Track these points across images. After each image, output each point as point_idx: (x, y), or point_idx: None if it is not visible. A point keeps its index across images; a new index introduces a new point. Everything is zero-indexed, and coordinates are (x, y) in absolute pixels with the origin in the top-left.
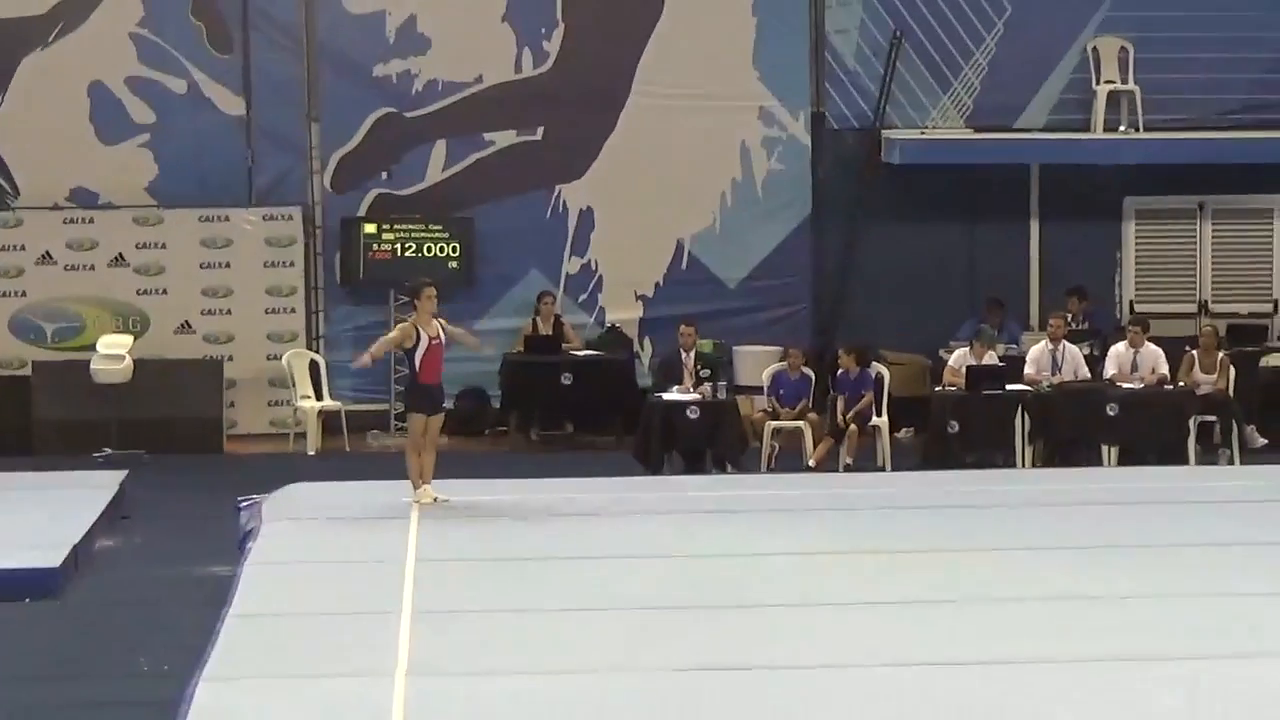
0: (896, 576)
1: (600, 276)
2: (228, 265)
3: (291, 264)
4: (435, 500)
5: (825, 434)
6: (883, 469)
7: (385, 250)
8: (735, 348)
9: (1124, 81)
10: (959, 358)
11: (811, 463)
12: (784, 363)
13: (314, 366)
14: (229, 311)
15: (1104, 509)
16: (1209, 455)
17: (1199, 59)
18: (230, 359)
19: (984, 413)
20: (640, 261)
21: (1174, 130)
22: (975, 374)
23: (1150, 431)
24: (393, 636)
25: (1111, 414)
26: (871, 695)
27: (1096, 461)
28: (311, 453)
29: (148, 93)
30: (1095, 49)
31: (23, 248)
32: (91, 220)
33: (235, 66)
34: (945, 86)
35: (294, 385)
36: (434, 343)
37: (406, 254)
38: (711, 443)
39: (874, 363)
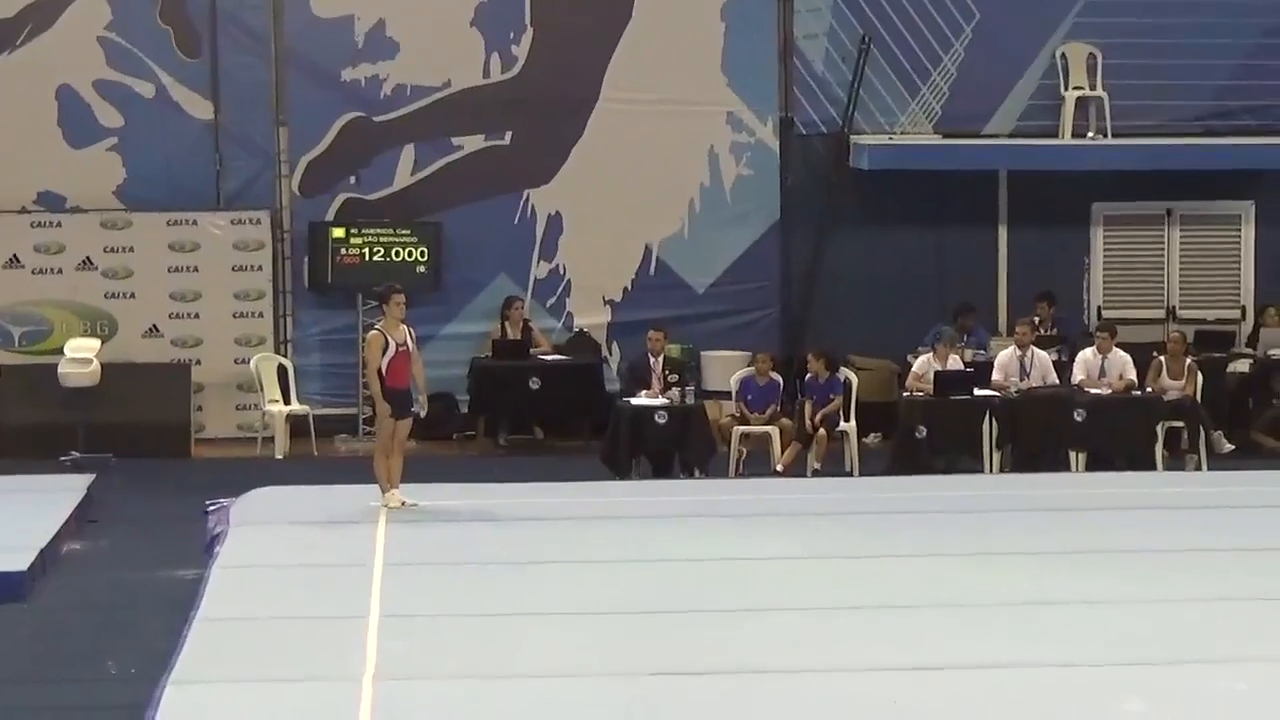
0: (864, 581)
1: (568, 281)
2: (196, 269)
3: (260, 268)
4: (403, 504)
5: (793, 439)
6: (851, 474)
7: (353, 255)
8: (703, 353)
9: (1092, 88)
10: (923, 363)
11: (779, 467)
12: (752, 368)
13: (282, 370)
14: (197, 315)
15: (1071, 514)
16: (1176, 461)
17: (1167, 65)
18: (198, 363)
19: (952, 418)
20: (608, 266)
21: (1142, 136)
22: (943, 379)
23: (1118, 437)
24: (360, 641)
25: (1079, 419)
26: (838, 700)
27: (1064, 467)
28: (279, 457)
29: (116, 96)
30: (1064, 55)
31: None
32: (59, 224)
33: (203, 70)
34: (914, 92)
35: (262, 389)
36: (401, 349)
37: (375, 258)
38: (680, 447)
39: (842, 367)
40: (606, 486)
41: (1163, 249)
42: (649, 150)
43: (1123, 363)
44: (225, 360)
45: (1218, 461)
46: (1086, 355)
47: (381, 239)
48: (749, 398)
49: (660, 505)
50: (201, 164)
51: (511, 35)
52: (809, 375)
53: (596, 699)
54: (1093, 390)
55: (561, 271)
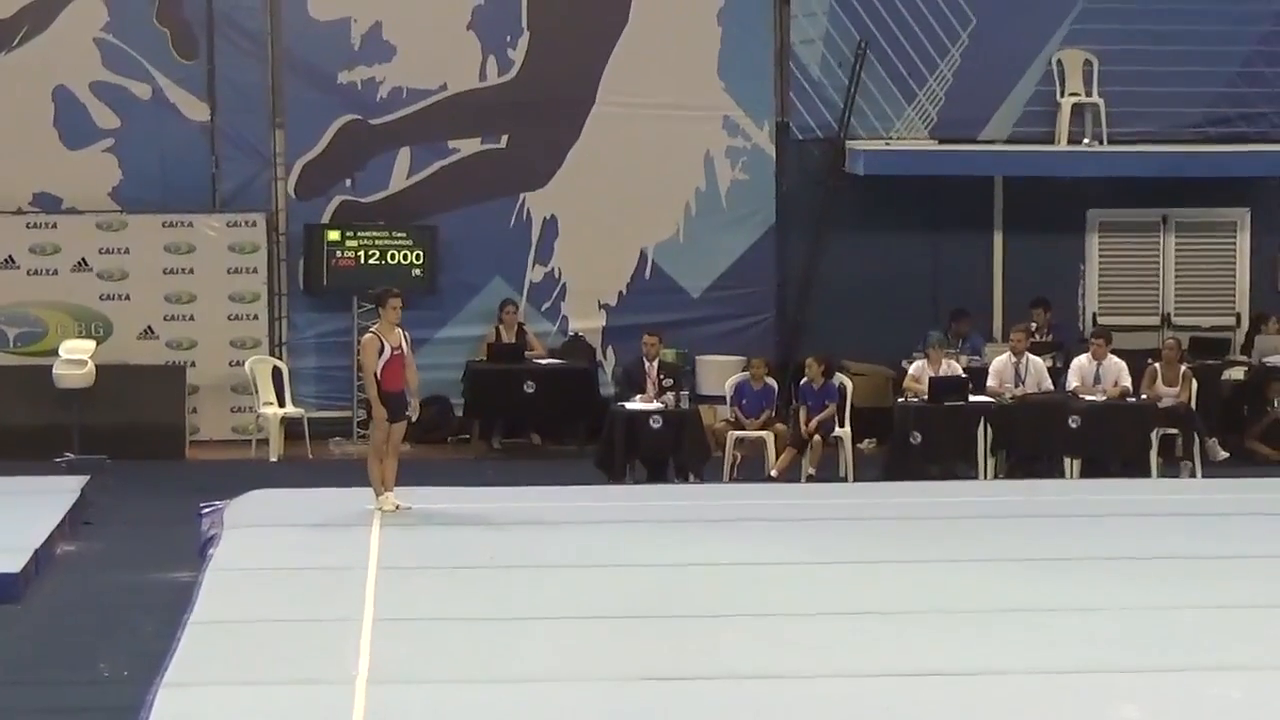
0: (858, 587)
1: (564, 285)
2: (191, 271)
3: (255, 270)
4: (397, 508)
5: (788, 444)
6: (845, 480)
7: (349, 257)
8: (698, 357)
9: (1088, 94)
10: (918, 368)
11: (774, 473)
12: (747, 373)
13: (277, 373)
14: (192, 317)
15: (1065, 521)
16: (1171, 468)
17: (1163, 72)
18: (193, 365)
19: (947, 424)
20: (604, 270)
21: (1138, 143)
22: (938, 385)
23: (1112, 444)
24: (354, 644)
25: (1074, 426)
26: (831, 705)
27: (1059, 473)
28: (274, 459)
29: (112, 98)
30: (1060, 62)
31: None
32: (54, 225)
33: (200, 72)
34: (910, 97)
35: (257, 391)
36: (395, 352)
37: (370, 261)
38: (674, 452)
39: (837, 373)
40: (601, 491)
41: (1158, 256)
42: (645, 154)
43: (1118, 369)
44: (220, 362)
45: (1212, 469)
46: (1081, 362)
47: (377, 242)
48: (744, 403)
49: (654, 510)
50: (197, 166)
51: (508, 39)
52: (804, 381)
53: (589, 703)
54: (1087, 397)
55: (557, 275)
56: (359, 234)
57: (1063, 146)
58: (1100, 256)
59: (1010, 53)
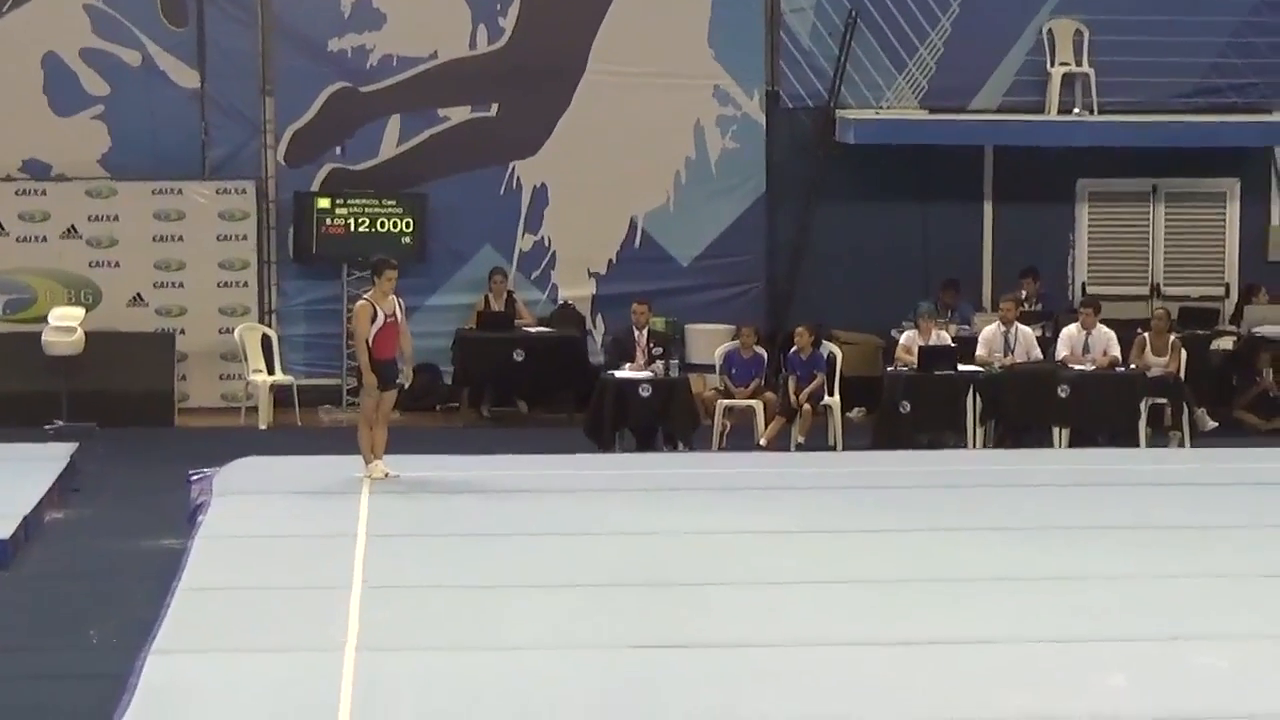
0: (847, 556)
1: (553, 253)
2: (180, 238)
3: (244, 238)
4: (386, 475)
5: (777, 413)
6: (834, 449)
7: (338, 225)
8: (688, 326)
9: (1079, 64)
10: (910, 337)
11: (763, 442)
12: (736, 341)
13: (266, 340)
14: (181, 285)
15: (1054, 490)
16: (1159, 438)
17: (1154, 42)
18: (182, 332)
19: (936, 393)
20: (593, 239)
21: (1128, 113)
22: (927, 354)
23: (1101, 413)
24: (342, 611)
25: (1063, 395)
26: (819, 673)
27: (1047, 443)
28: (263, 427)
29: (102, 65)
30: (1050, 31)
31: None
32: (44, 192)
33: (190, 39)
34: (900, 67)
35: (246, 359)
36: (389, 320)
37: (360, 229)
38: (663, 421)
39: (826, 342)
40: (589, 459)
41: (1148, 226)
42: (635, 123)
43: (1107, 339)
44: (209, 330)
45: (1200, 438)
46: (1070, 331)
47: (367, 210)
48: (733, 371)
49: (643, 478)
50: (187, 133)
51: (499, 6)
52: (793, 350)
53: (578, 671)
54: (1076, 366)
55: (546, 244)
56: (349, 202)
57: (1053, 116)
58: (1090, 226)
59: (1001, 22)
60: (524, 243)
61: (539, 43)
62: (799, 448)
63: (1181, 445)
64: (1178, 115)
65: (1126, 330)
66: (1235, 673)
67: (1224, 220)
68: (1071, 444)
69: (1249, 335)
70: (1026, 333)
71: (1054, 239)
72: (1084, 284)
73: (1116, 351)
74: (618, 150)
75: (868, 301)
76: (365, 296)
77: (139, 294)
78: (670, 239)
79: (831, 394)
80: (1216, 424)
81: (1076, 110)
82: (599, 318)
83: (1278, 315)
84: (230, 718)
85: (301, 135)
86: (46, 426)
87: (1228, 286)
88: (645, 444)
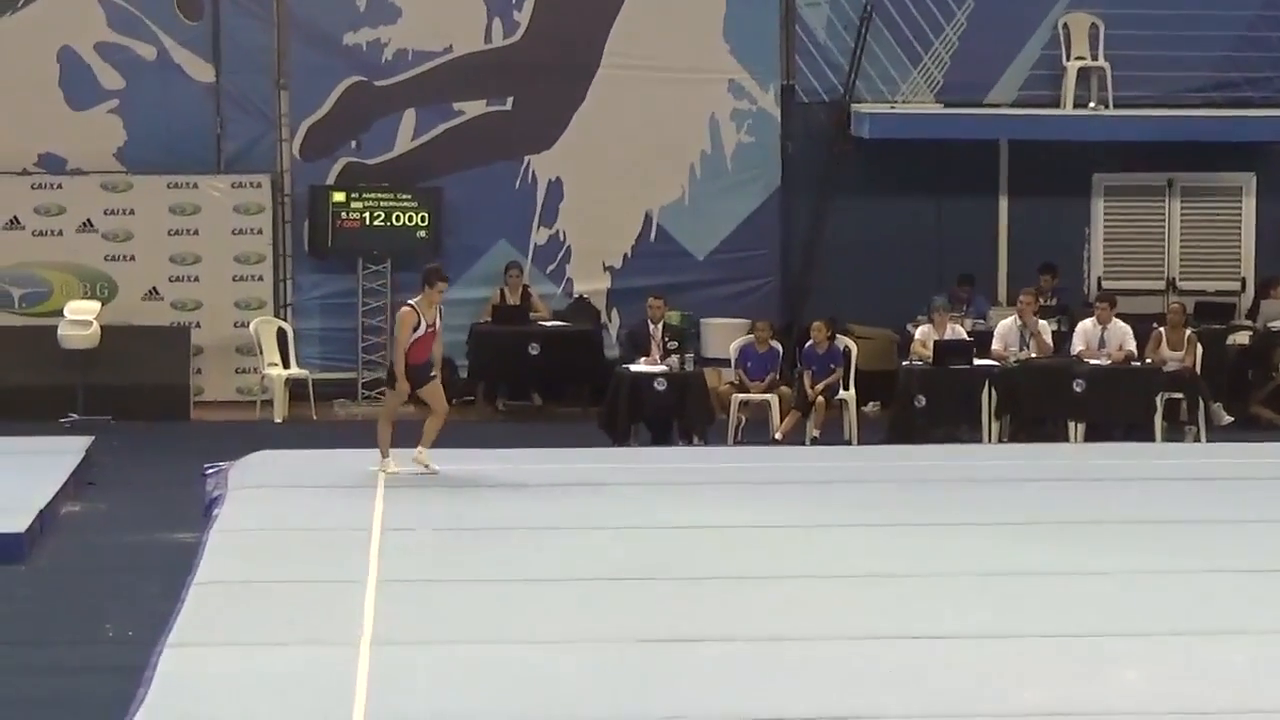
0: (861, 550)
1: (568, 247)
2: (196, 232)
3: (260, 231)
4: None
5: (792, 407)
6: (849, 443)
7: (354, 219)
8: (703, 320)
9: (1094, 58)
10: (925, 331)
11: (778, 436)
12: (751, 335)
13: (281, 334)
14: (197, 279)
15: (1069, 485)
16: (1175, 432)
17: (1169, 36)
18: (198, 326)
19: (951, 388)
20: (608, 233)
21: (1143, 107)
22: (942, 349)
23: (1117, 408)
24: (357, 605)
25: (1078, 390)
26: (834, 667)
27: (1063, 437)
28: (278, 420)
29: (117, 59)
30: (1066, 25)
31: None
32: (60, 186)
33: (205, 33)
34: (915, 61)
35: (261, 353)
36: (430, 329)
37: (375, 223)
38: (678, 415)
39: (841, 336)
40: (605, 453)
41: (1163, 220)
42: (650, 117)
43: (1122, 333)
44: (225, 324)
45: (1216, 433)
46: (1086, 326)
47: (382, 204)
48: (748, 365)
49: (658, 472)
50: (202, 127)
51: (514, 1)
52: (808, 344)
53: (593, 664)
54: (1092, 361)
55: (562, 238)
56: (364, 196)
57: (1068, 110)
58: (1105, 220)
59: (1016, 16)
60: (539, 236)
61: (554, 37)
62: (814, 442)
63: (1197, 440)
64: (1193, 109)
65: (1142, 325)
66: (1250, 668)
67: (1240, 214)
68: (1087, 439)
69: (1265, 330)
70: (1042, 327)
71: (1069, 233)
72: (1099, 278)
73: (1132, 346)
74: (633, 144)
75: (883, 296)
76: (410, 303)
77: (154, 288)
78: (685, 233)
79: (847, 388)
80: (1232, 419)
81: (1092, 104)
82: (614, 312)
83: None
84: (245, 711)
85: (316, 129)
86: (62, 420)
87: (1244, 281)
88: (660, 438)
